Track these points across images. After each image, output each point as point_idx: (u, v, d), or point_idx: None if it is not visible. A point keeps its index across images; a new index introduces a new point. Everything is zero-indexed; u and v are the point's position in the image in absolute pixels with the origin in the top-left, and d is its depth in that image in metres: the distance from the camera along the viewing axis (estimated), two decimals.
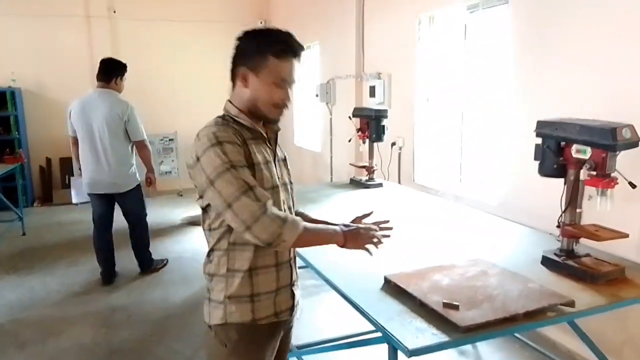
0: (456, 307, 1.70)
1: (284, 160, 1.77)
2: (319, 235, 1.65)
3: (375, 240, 1.72)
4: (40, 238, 5.99)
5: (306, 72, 7.58)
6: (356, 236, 1.68)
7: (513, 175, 3.57)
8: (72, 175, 7.74)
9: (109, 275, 4.50)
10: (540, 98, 3.30)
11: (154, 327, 3.66)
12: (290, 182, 1.77)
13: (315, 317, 3.58)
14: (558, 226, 2.15)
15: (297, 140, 7.86)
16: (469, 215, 3.06)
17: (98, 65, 4.42)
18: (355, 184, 3.89)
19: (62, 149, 7.81)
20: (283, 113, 1.67)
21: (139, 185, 4.47)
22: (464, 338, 1.61)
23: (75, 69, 7.90)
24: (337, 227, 1.69)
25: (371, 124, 3.75)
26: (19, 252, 5.47)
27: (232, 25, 8.35)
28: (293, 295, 1.76)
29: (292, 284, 1.75)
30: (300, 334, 3.19)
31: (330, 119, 6.32)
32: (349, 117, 4.08)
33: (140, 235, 4.62)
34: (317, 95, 6.32)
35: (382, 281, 1.99)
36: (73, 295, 4.27)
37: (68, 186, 7.88)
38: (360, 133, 3.87)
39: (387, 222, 1.76)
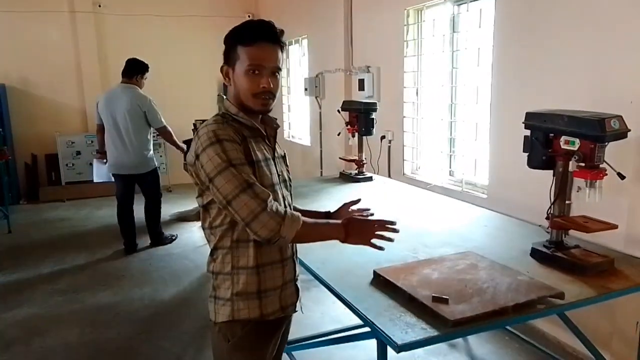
0: (446, 301, 1.69)
1: (283, 157, 1.77)
2: (319, 230, 1.61)
3: (381, 233, 1.62)
4: (27, 236, 5.91)
5: (294, 66, 7.54)
6: (359, 229, 1.61)
7: (502, 167, 3.57)
8: (59, 171, 7.68)
9: (130, 245, 5.14)
10: (528, 90, 3.30)
11: (142, 325, 3.62)
12: (289, 179, 1.78)
13: (305, 312, 3.54)
14: (547, 218, 2.14)
15: (287, 134, 7.82)
16: (459, 208, 3.05)
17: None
18: (345, 177, 3.87)
19: (47, 146, 7.72)
20: (269, 102, 1.61)
21: (155, 169, 5.07)
22: (454, 332, 1.60)
23: (61, 65, 7.80)
24: (338, 221, 1.64)
25: (360, 118, 3.72)
26: (4, 250, 5.38)
27: (219, 20, 8.31)
28: (297, 289, 1.78)
29: (295, 278, 1.77)
30: (290, 329, 3.16)
31: (320, 112, 6.29)
32: (338, 111, 4.05)
33: (154, 211, 5.20)
34: (305, 90, 6.28)
35: (372, 276, 1.97)
36: (59, 294, 4.21)
37: (54, 183, 7.80)
38: (349, 127, 3.84)
39: (393, 223, 1.66)
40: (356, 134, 3.83)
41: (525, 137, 2.17)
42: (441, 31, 4.31)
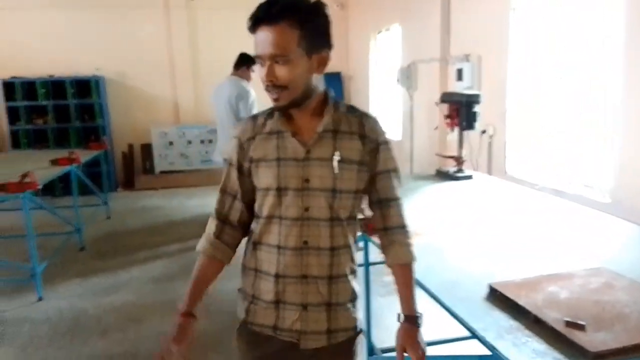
0: (582, 328, 1.45)
1: (330, 159, 1.40)
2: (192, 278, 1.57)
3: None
4: (124, 223, 6.16)
5: (383, 56, 7.31)
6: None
7: (634, 169, 3.14)
8: (153, 161, 8.01)
9: None
10: None
11: (233, 318, 3.59)
12: (335, 190, 1.40)
13: (387, 320, 3.33)
14: None
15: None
16: (577, 213, 2.72)
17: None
18: (441, 175, 3.61)
19: (143, 136, 8.06)
20: (278, 96, 1.37)
21: None
22: None
23: (155, 58, 8.09)
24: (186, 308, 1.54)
25: (461, 111, 3.45)
26: (103, 236, 5.65)
27: None
28: (313, 318, 1.44)
29: (313, 305, 1.44)
30: (380, 336, 2.98)
31: (411, 105, 6.02)
32: (436, 103, 3.80)
33: None
34: (398, 81, 6.03)
35: (485, 289, 1.76)
36: (153, 282, 4.32)
37: (149, 172, 8.13)
38: (448, 120, 3.58)
39: None
40: (456, 128, 3.56)
41: None
42: (555, 15, 3.91)
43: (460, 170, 3.56)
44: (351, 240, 1.47)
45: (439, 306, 1.75)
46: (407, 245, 1.49)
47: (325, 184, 1.40)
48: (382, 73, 7.39)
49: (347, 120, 1.45)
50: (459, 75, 4.72)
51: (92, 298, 4.02)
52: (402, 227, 1.50)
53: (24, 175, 3.86)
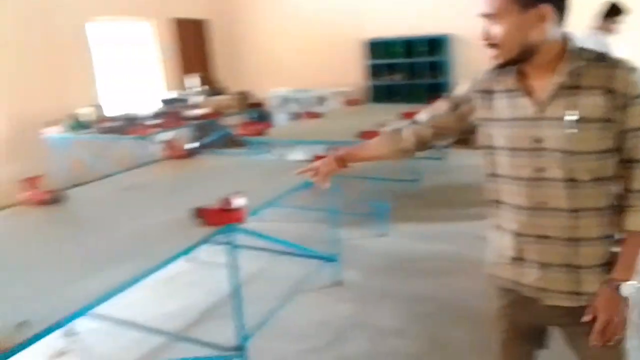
0: None
1: (561, 118, 1.33)
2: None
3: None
4: (456, 178, 6.27)
5: None
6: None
7: None
8: None
9: None
10: None
11: None
12: (570, 151, 1.32)
13: None
14: None
15: None
16: None
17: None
18: None
19: None
20: (493, 53, 1.40)
21: None
22: None
23: None
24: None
25: None
26: (438, 187, 5.99)
27: None
28: (554, 277, 1.43)
29: (553, 265, 1.42)
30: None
31: None
32: None
33: None
34: None
35: None
36: (477, 238, 4.26)
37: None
38: None
39: None
40: None
41: None
42: None
43: None
44: (608, 203, 1.38)
45: None
46: None
47: (559, 144, 1.34)
48: None
49: (591, 72, 1.31)
50: None
51: (421, 242, 4.42)
52: None
53: (378, 126, 4.48)
